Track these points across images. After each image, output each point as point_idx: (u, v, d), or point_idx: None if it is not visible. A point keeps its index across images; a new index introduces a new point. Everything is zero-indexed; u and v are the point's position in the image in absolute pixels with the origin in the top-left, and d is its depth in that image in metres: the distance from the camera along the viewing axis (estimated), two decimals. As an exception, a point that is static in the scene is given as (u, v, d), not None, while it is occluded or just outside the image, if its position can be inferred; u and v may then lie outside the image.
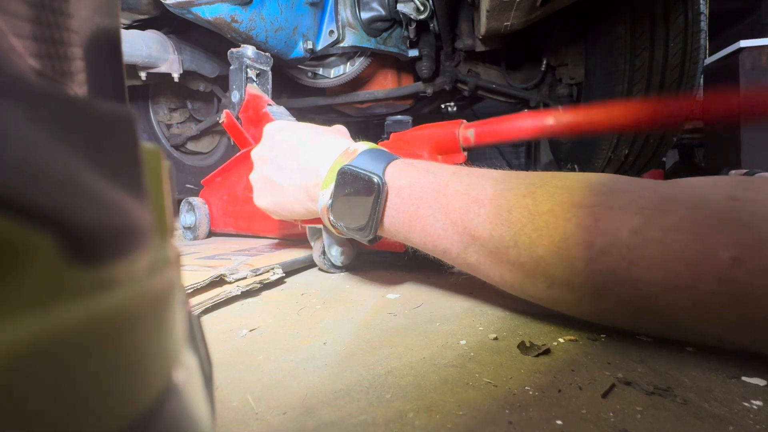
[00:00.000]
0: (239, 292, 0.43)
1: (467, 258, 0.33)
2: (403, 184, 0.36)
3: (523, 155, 2.11)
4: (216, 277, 0.43)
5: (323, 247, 0.52)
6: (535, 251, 0.28)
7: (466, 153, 0.57)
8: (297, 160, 0.42)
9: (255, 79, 0.75)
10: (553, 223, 0.27)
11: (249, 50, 0.73)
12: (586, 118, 0.51)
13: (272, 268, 0.49)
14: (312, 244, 0.53)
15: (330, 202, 0.38)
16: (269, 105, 0.69)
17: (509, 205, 0.30)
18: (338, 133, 0.45)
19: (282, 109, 0.69)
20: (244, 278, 0.45)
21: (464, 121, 0.57)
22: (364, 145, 0.40)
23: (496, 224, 0.30)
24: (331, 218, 0.39)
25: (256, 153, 0.47)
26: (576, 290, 0.28)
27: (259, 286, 0.45)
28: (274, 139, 0.46)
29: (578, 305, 0.29)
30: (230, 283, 0.44)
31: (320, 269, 0.55)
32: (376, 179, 0.36)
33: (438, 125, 0.58)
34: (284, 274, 0.50)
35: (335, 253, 0.52)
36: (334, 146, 0.41)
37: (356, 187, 0.36)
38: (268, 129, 0.48)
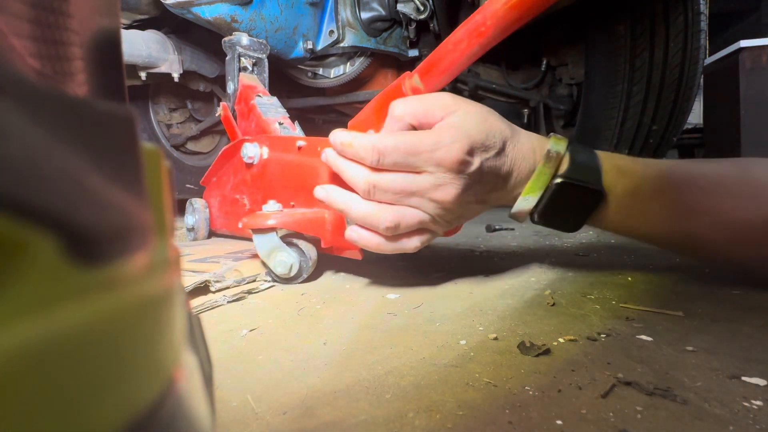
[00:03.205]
0: (225, 302, 0.42)
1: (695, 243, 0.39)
2: (618, 192, 0.39)
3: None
4: (201, 283, 0.42)
5: (270, 259, 0.47)
6: None
7: None
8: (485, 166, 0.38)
9: (249, 68, 0.72)
10: None
11: (243, 38, 0.71)
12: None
13: (257, 277, 0.48)
14: (262, 254, 0.48)
15: (541, 209, 0.40)
16: (258, 96, 0.66)
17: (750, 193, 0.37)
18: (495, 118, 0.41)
19: (274, 100, 0.66)
20: (228, 288, 0.44)
21: (408, 72, 0.47)
22: (561, 145, 0.39)
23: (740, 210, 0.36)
24: (536, 219, 0.41)
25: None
26: None
27: (246, 296, 0.44)
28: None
29: None
30: (214, 292, 0.43)
31: (273, 280, 0.50)
32: (597, 191, 0.39)
33: (384, 90, 0.48)
34: (273, 283, 0.49)
35: (279, 264, 0.47)
36: (524, 146, 0.39)
37: (574, 196, 0.39)
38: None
